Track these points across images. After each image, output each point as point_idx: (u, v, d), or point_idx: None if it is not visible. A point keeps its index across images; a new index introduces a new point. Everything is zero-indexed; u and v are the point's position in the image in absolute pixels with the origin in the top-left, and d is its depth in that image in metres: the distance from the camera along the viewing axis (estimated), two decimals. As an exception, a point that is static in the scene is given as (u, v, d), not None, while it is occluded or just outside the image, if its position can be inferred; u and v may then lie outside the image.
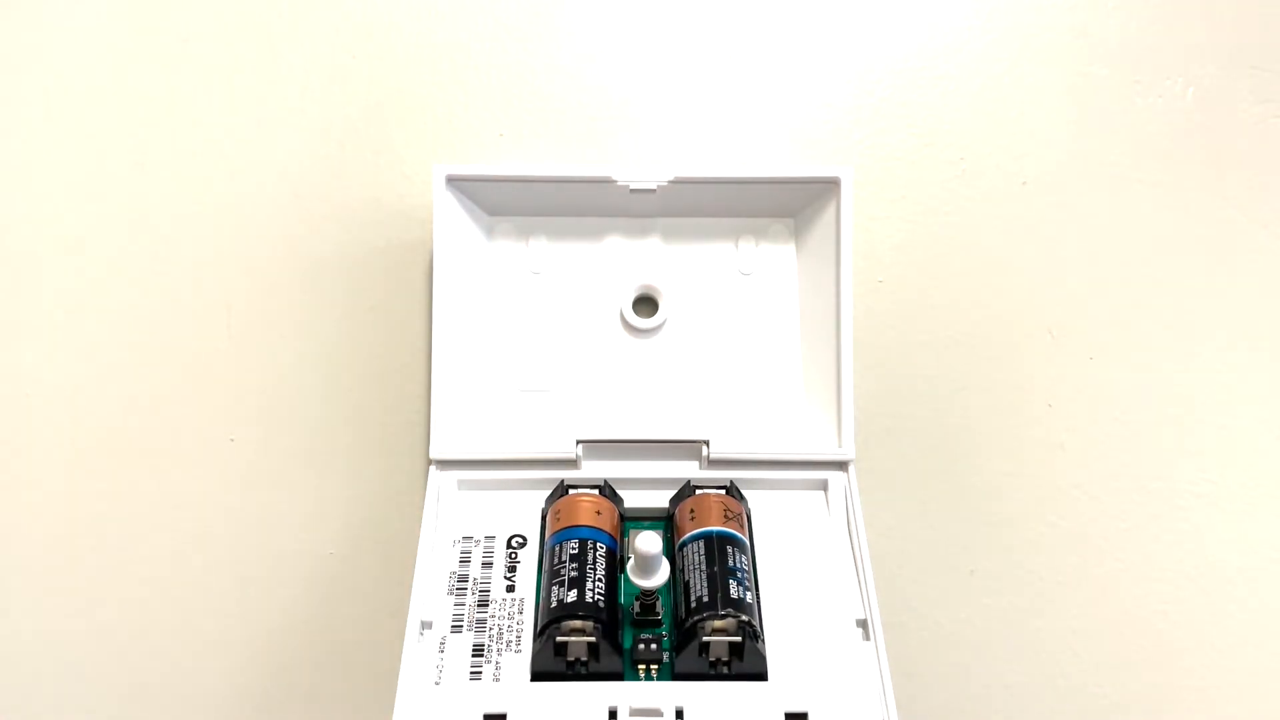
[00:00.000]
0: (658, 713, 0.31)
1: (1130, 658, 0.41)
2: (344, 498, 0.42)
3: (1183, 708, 0.41)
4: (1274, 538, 0.42)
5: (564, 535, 0.35)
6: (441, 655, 0.33)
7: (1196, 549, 0.42)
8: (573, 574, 0.34)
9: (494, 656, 0.33)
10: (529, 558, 0.36)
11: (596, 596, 0.33)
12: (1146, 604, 0.42)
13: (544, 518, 0.37)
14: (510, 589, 0.35)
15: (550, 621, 0.33)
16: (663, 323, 0.41)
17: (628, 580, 0.35)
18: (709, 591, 0.33)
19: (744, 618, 0.32)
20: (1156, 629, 0.42)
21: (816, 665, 0.33)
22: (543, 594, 0.34)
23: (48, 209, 0.43)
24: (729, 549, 0.35)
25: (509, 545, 0.37)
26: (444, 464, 0.39)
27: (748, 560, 0.35)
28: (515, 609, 0.35)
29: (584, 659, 0.32)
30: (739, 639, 0.32)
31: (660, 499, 0.38)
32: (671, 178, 0.39)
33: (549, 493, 0.38)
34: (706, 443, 0.39)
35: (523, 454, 0.39)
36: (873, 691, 0.33)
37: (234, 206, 0.43)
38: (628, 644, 0.34)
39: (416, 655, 0.33)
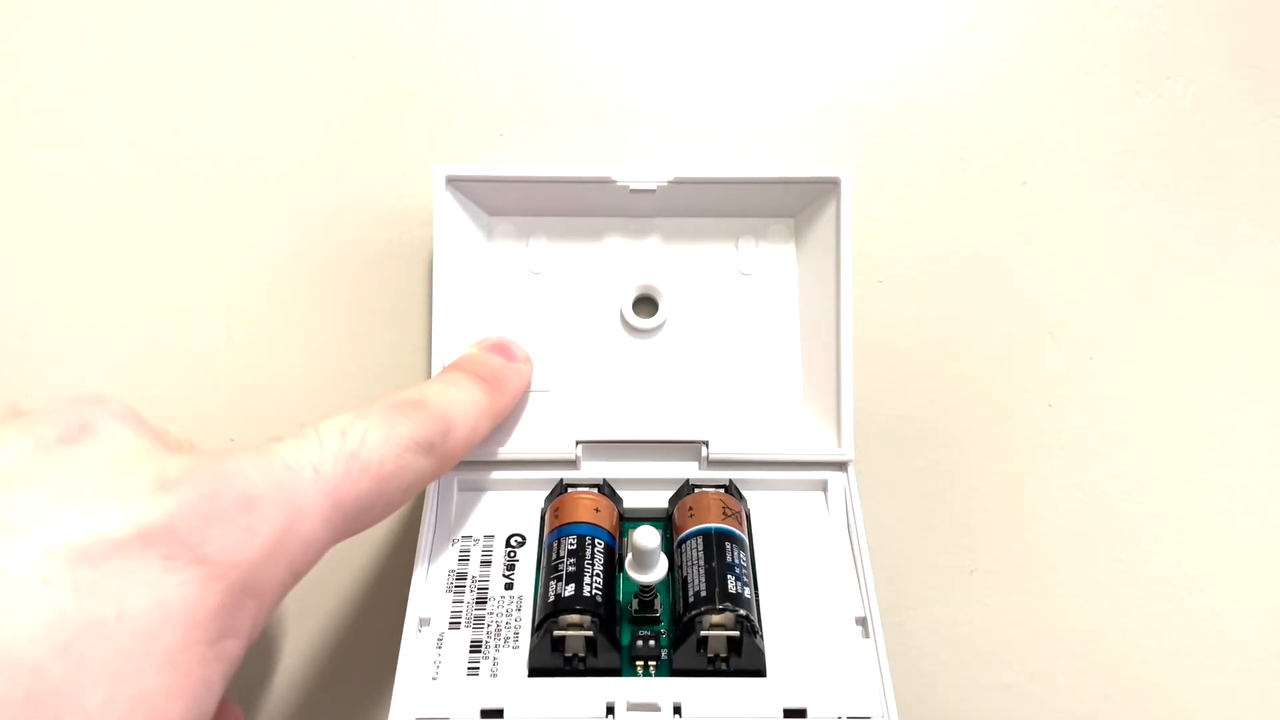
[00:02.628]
0: (655, 708, 0.31)
1: (1130, 658, 0.41)
2: (344, 497, 0.42)
3: (1183, 708, 0.41)
4: (1274, 538, 0.42)
5: (562, 531, 0.35)
6: (439, 651, 0.33)
7: (1196, 549, 0.42)
8: (571, 569, 0.34)
9: (491, 652, 0.33)
10: (528, 556, 0.36)
11: (594, 591, 0.33)
12: (1146, 604, 0.42)
13: (543, 517, 0.37)
14: (509, 586, 0.35)
15: (548, 616, 0.33)
16: (663, 323, 0.41)
17: (626, 578, 0.35)
18: (707, 586, 0.33)
19: (742, 612, 0.32)
20: (1156, 629, 0.42)
21: (815, 661, 0.33)
22: (540, 589, 0.34)
23: (45, 209, 0.43)
24: (727, 545, 0.35)
25: (508, 544, 0.37)
26: (444, 463, 0.39)
27: (746, 557, 0.35)
28: (513, 606, 0.35)
29: (581, 654, 0.32)
30: (737, 634, 0.32)
31: (660, 499, 0.38)
32: (671, 178, 0.39)
33: (548, 492, 0.38)
34: (706, 443, 0.39)
35: (522, 454, 0.39)
36: (872, 686, 0.33)
37: (233, 206, 0.43)
38: (626, 640, 0.34)
39: (414, 651, 0.33)
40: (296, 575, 0.24)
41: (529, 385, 0.34)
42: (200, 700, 0.21)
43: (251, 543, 0.22)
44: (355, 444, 0.26)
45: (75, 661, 0.18)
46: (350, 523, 0.26)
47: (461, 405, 0.30)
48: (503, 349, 0.35)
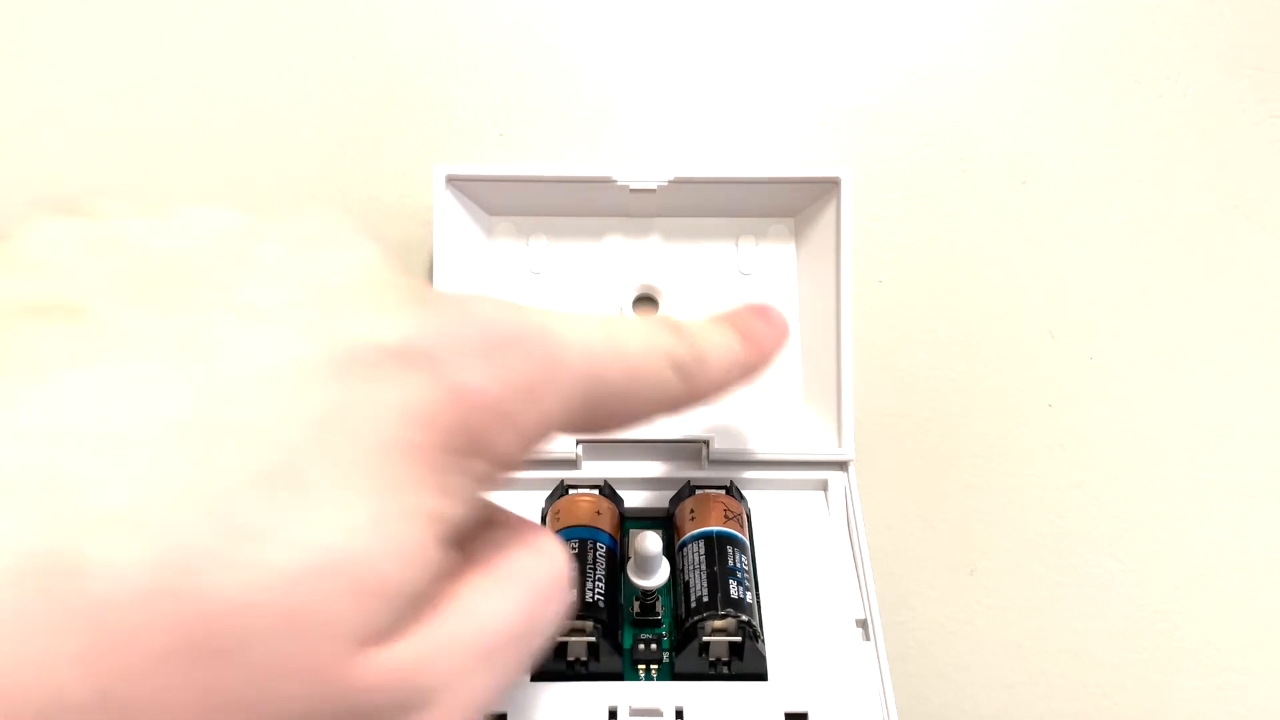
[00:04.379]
0: (658, 713, 0.31)
1: (1130, 658, 0.41)
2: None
3: (1183, 708, 0.41)
4: (1274, 538, 0.42)
5: (564, 535, 0.35)
6: (441, 655, 0.33)
7: (1196, 549, 0.42)
8: (573, 573, 0.34)
9: (494, 656, 0.33)
10: (529, 557, 0.36)
11: (597, 596, 0.33)
12: (1146, 604, 0.42)
13: (544, 518, 0.37)
14: (510, 589, 0.35)
15: (550, 621, 0.33)
16: (663, 323, 0.41)
17: (627, 580, 0.35)
18: (709, 591, 0.33)
19: (744, 618, 0.32)
20: (1157, 629, 0.42)
21: (816, 665, 0.33)
22: (543, 593, 0.34)
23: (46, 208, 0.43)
24: (729, 549, 0.35)
25: (509, 545, 0.37)
26: (444, 464, 0.38)
27: (748, 560, 0.35)
28: (515, 609, 0.35)
29: (584, 659, 0.32)
30: (739, 639, 0.32)
31: (660, 499, 0.38)
32: (671, 178, 0.39)
33: (549, 493, 0.38)
34: (707, 443, 0.39)
35: (522, 454, 0.39)
36: (873, 691, 0.33)
37: (234, 207, 0.43)
38: (628, 644, 0.34)
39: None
40: (547, 425, 0.24)
41: (781, 350, 0.33)
42: (441, 505, 0.21)
43: (504, 377, 0.22)
44: (615, 329, 0.25)
45: (322, 442, 0.19)
46: (596, 409, 0.25)
47: (717, 344, 0.29)
48: (761, 310, 0.34)
